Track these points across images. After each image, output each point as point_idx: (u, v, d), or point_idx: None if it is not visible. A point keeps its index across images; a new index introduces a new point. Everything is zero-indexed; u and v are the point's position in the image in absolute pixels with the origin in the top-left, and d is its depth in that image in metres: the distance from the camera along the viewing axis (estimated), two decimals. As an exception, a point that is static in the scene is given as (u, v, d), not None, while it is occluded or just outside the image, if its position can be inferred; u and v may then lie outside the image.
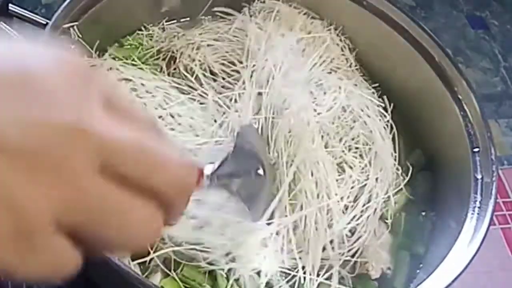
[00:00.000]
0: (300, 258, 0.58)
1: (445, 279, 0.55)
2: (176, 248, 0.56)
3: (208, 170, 0.38)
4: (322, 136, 0.65)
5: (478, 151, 0.65)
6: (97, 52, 0.71)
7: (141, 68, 0.70)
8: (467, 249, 0.58)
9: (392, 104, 0.75)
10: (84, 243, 0.26)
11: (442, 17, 1.18)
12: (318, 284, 0.59)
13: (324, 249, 0.59)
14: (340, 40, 0.78)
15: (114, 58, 0.71)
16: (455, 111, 0.69)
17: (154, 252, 0.55)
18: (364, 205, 0.63)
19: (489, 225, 0.59)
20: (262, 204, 0.55)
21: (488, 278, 0.81)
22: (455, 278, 0.55)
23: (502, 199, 1.01)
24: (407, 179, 0.70)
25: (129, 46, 0.74)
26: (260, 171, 0.50)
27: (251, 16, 0.76)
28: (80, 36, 0.66)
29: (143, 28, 0.75)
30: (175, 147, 0.30)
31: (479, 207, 0.61)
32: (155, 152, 0.27)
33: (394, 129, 0.72)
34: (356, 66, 0.78)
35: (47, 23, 0.64)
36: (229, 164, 0.42)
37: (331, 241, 0.60)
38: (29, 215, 0.23)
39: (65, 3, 0.65)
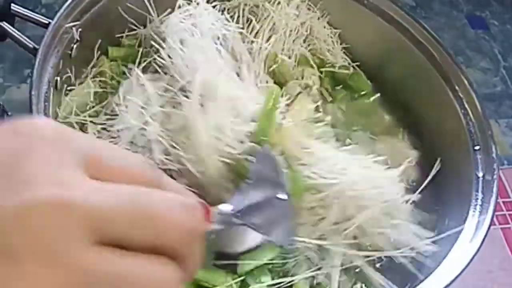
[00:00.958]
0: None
1: (447, 276, 0.56)
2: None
3: (224, 207, 0.36)
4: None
5: (479, 149, 0.66)
6: (99, 52, 0.71)
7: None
8: (469, 245, 0.58)
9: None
10: None
11: (442, 17, 1.19)
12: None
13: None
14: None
15: (113, 60, 0.72)
16: (456, 109, 0.69)
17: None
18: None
19: (491, 222, 0.60)
20: (287, 227, 0.53)
21: (488, 277, 0.81)
22: (457, 276, 0.55)
23: (502, 199, 1.01)
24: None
25: (124, 46, 0.74)
26: (282, 195, 0.46)
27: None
28: (82, 36, 0.67)
29: (141, 27, 0.74)
30: (174, 187, 0.28)
31: (480, 205, 0.61)
32: (149, 207, 0.25)
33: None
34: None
35: (49, 22, 0.64)
36: (247, 197, 0.40)
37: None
38: None
39: (67, 2, 0.65)
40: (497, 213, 0.96)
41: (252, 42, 0.73)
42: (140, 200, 0.25)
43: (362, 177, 0.59)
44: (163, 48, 0.64)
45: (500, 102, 1.19)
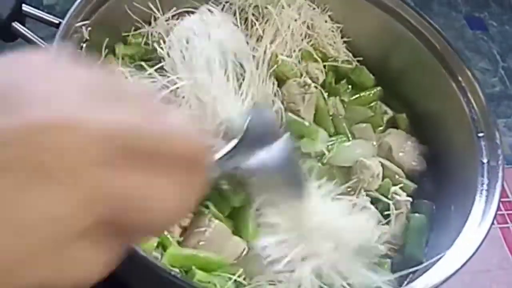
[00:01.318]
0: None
1: (458, 260, 0.56)
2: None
3: (219, 154, 0.37)
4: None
5: (483, 135, 0.66)
6: (106, 50, 0.72)
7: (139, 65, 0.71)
8: (478, 229, 0.59)
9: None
10: (124, 233, 0.26)
11: (440, 17, 1.20)
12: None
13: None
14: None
15: (120, 58, 0.73)
16: (458, 98, 0.70)
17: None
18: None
19: (498, 206, 0.60)
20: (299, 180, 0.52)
21: (487, 277, 0.81)
22: (468, 259, 0.56)
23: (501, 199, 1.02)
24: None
25: (130, 44, 0.74)
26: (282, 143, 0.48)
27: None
28: (91, 35, 0.68)
29: (145, 25, 0.75)
30: (180, 116, 0.28)
31: (486, 190, 0.62)
32: (158, 122, 0.26)
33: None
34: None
35: (60, 22, 0.65)
36: (241, 149, 0.42)
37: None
38: (62, 223, 0.23)
39: (77, 2, 0.66)
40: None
41: (254, 48, 0.74)
42: (159, 118, 0.26)
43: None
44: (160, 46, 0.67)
45: (499, 103, 1.20)
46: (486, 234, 0.58)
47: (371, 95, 0.79)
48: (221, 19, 0.72)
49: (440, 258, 0.58)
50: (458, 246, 0.58)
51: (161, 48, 0.68)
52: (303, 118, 0.72)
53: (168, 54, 0.68)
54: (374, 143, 0.74)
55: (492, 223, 0.59)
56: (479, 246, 0.56)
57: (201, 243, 0.59)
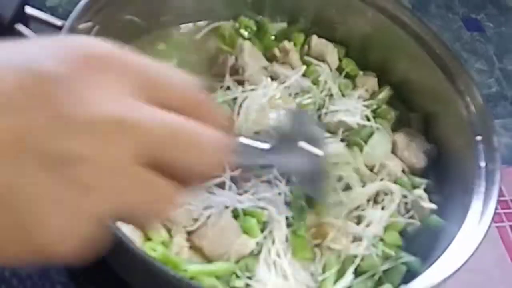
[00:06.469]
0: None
1: (456, 260, 0.57)
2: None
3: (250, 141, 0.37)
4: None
5: (481, 139, 0.67)
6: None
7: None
8: (475, 231, 0.59)
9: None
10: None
11: (438, 19, 1.21)
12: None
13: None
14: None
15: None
16: (456, 101, 0.71)
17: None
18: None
19: (495, 211, 0.61)
20: (319, 181, 0.51)
21: (483, 276, 0.81)
22: (467, 259, 0.57)
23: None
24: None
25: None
26: (316, 152, 0.46)
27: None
28: (95, 37, 0.68)
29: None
30: (212, 115, 0.30)
31: (484, 193, 0.62)
32: (187, 133, 0.28)
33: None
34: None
35: (63, 24, 0.65)
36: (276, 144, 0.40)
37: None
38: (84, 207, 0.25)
39: (79, 4, 0.66)
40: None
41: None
42: (182, 128, 0.28)
43: None
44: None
45: (495, 103, 1.20)
46: (483, 237, 0.59)
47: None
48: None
49: (437, 259, 0.59)
50: (455, 249, 0.59)
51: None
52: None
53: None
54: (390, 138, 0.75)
55: (489, 226, 0.60)
56: (476, 248, 0.57)
57: (207, 234, 0.60)
